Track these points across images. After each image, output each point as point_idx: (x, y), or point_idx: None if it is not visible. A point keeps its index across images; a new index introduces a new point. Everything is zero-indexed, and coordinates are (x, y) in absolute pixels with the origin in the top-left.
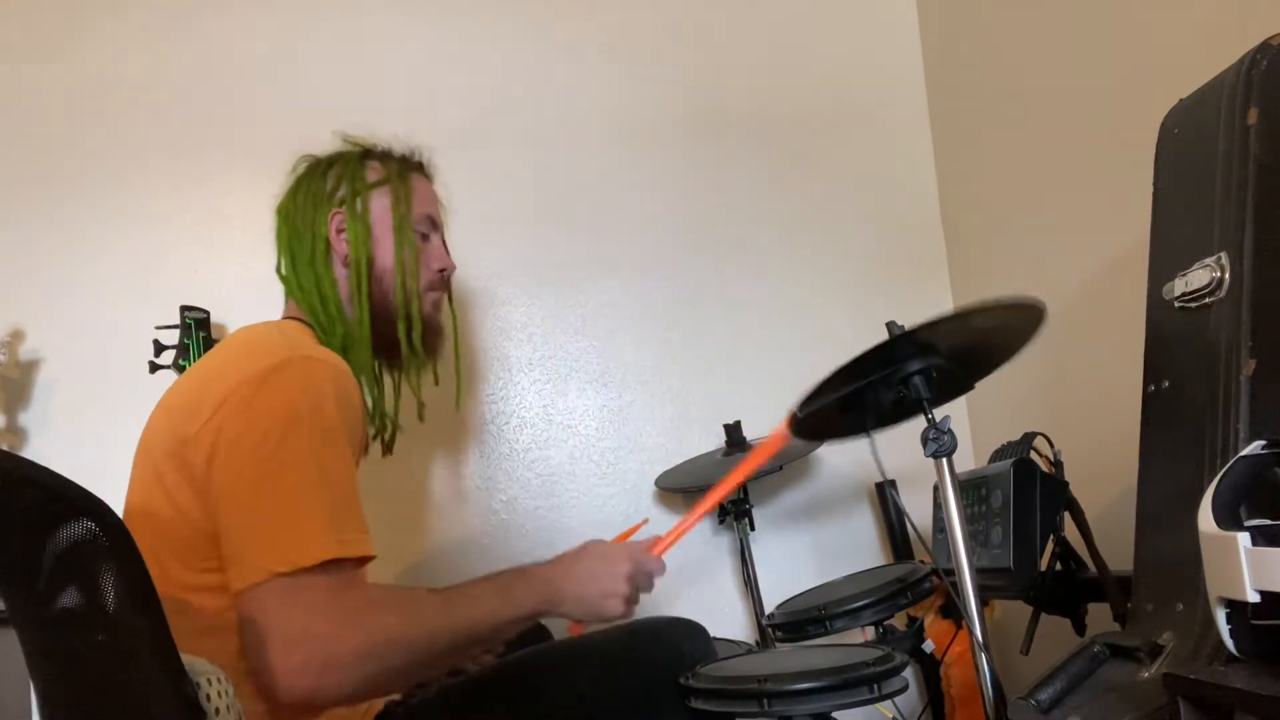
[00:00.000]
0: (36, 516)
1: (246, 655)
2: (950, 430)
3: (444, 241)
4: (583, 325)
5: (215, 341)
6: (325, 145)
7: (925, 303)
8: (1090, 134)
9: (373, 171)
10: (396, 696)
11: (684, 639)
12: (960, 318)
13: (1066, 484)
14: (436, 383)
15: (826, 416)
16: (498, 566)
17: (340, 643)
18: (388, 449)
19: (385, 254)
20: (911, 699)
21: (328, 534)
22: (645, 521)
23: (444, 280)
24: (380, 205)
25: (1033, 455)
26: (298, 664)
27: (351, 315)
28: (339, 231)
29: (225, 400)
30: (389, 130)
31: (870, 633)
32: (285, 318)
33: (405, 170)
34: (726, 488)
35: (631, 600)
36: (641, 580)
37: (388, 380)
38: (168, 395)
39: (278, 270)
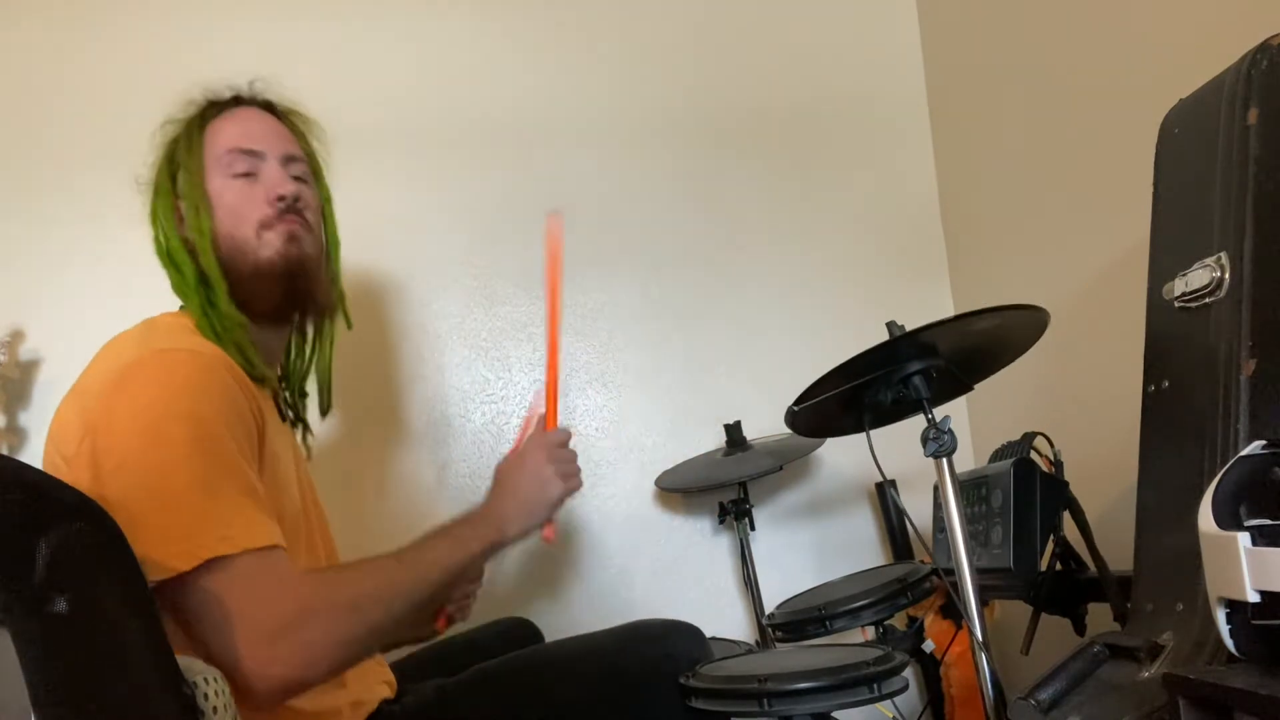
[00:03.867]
0: (29, 517)
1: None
2: (950, 430)
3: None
4: (583, 325)
5: None
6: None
7: (925, 303)
8: (1090, 134)
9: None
10: (389, 696)
11: (681, 641)
12: (961, 321)
13: (1066, 484)
14: (350, 325)
15: (828, 414)
16: (497, 566)
17: (305, 626)
18: (323, 413)
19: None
20: (911, 699)
21: (203, 534)
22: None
23: (288, 208)
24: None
25: (1033, 455)
26: (266, 657)
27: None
28: (176, 222)
29: (89, 417)
30: (392, 129)
31: (870, 633)
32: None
33: (197, 126)
34: (554, 319)
35: (568, 475)
36: (560, 455)
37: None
38: (55, 414)
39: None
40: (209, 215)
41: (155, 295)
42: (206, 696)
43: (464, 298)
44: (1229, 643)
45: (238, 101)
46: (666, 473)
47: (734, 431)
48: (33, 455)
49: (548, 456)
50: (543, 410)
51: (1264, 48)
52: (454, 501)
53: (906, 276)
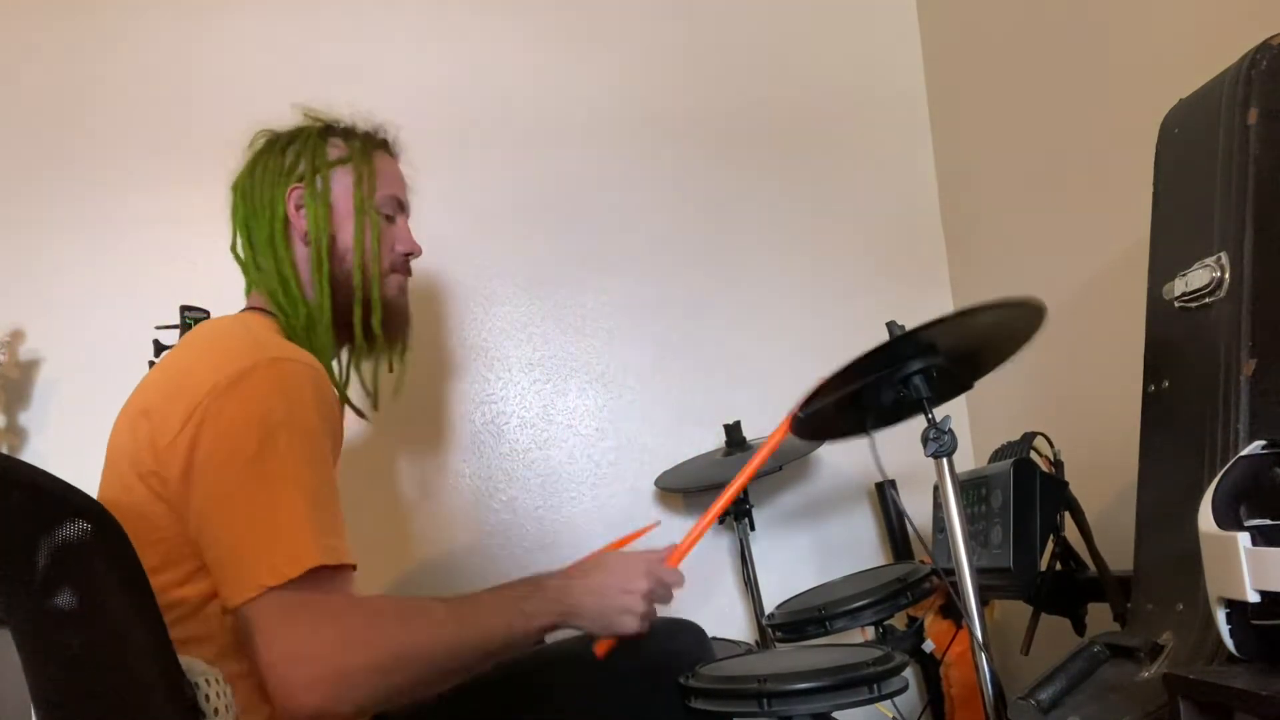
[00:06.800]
0: (32, 518)
1: (255, 669)
2: (950, 430)
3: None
4: (583, 325)
5: None
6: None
7: (925, 303)
8: (1090, 134)
9: (335, 148)
10: None
11: (682, 640)
12: (960, 317)
13: (1066, 484)
14: (390, 369)
15: (827, 416)
16: (497, 567)
17: (348, 657)
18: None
19: (347, 235)
20: (911, 699)
21: (313, 542)
22: (657, 524)
23: (407, 264)
24: (342, 184)
25: (1033, 455)
26: (305, 680)
27: (312, 298)
28: (298, 208)
29: (195, 410)
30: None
31: (870, 633)
32: (247, 308)
33: (369, 148)
34: (734, 489)
35: (647, 616)
36: (660, 593)
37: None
38: (137, 395)
39: (233, 249)
40: (377, 241)
41: (157, 295)
42: (208, 698)
43: (463, 298)
44: (1229, 643)
45: (385, 144)
46: (666, 473)
47: (734, 432)
48: (33, 455)
49: (650, 583)
50: (673, 543)
51: (1264, 48)
52: (452, 503)
53: (906, 276)
